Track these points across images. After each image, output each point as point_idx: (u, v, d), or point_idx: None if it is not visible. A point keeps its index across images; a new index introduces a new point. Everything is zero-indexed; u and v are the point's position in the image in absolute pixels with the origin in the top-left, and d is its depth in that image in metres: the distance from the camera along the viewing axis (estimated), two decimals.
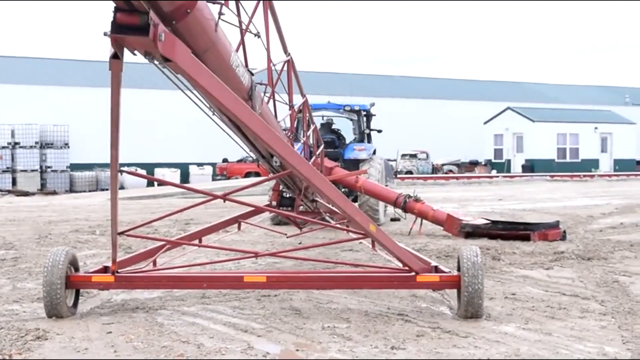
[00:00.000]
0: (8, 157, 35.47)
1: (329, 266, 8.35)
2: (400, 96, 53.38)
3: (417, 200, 12.89)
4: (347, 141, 15.99)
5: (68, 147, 37.04)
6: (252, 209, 9.40)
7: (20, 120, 35.97)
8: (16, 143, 35.27)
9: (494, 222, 12.59)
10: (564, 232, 12.22)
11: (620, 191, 28.44)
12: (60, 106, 40.27)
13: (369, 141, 16.31)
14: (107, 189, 32.19)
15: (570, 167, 46.97)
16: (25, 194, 30.74)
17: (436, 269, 6.53)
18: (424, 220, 12.78)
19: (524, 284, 8.34)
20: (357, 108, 16.15)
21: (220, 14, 5.67)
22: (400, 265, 6.52)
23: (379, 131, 16.61)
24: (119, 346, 5.38)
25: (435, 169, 47.66)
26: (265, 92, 7.92)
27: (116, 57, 4.96)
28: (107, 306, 7.06)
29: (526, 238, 11.67)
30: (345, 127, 16.32)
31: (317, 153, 11.98)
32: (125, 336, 5.69)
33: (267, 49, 7.79)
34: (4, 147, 35.33)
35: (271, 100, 8.50)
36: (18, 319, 6.41)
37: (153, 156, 41.28)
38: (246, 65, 6.79)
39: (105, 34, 4.61)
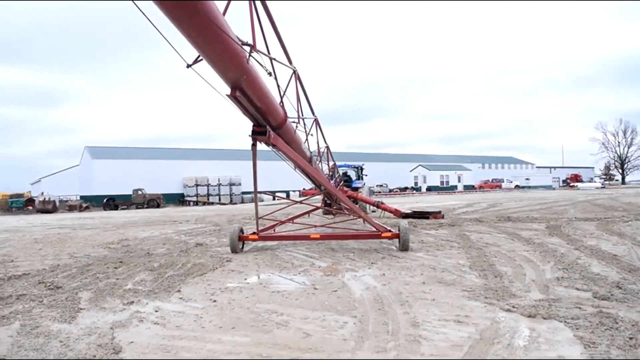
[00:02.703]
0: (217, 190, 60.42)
1: (346, 231, 13.05)
2: (373, 160, 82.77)
3: (382, 202, 20.82)
4: (353, 179, 26.31)
5: (240, 184, 60.94)
6: (314, 207, 15.83)
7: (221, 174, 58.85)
8: (220, 184, 60.21)
9: (414, 211, 19.78)
10: (443, 215, 19.18)
11: (466, 198, 43.35)
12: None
13: (362, 179, 26.42)
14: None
15: (445, 189, 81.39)
16: (224, 203, 52.36)
17: (390, 231, 11.04)
18: (385, 212, 20.45)
19: (426, 236, 13.06)
20: (357, 165, 27.28)
21: (296, 126, 9.65)
22: (375, 229, 11.27)
23: (366, 175, 27.16)
24: (259, 263, 9.60)
25: (390, 190, 73.00)
26: (320, 159, 13.46)
27: (254, 145, 8.61)
28: (255, 249, 11.72)
29: (427, 218, 18.56)
30: (352, 173, 27.19)
31: (340, 184, 19.76)
32: (261, 259, 10.12)
33: (328, 149, 14.22)
34: (219, 185, 61.67)
35: (322, 162, 13.79)
36: (219, 253, 11.21)
37: (276, 186, 56.11)
38: (308, 148, 11.13)
39: (249, 135, 8.32)
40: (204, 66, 5.29)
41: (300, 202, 13.55)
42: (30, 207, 49.70)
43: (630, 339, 4.48)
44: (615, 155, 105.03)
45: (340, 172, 26.61)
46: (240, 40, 5.34)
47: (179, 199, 58.03)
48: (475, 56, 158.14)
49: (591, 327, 4.79)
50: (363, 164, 28.58)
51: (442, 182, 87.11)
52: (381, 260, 9.60)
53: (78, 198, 56.66)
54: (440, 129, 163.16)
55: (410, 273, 8.22)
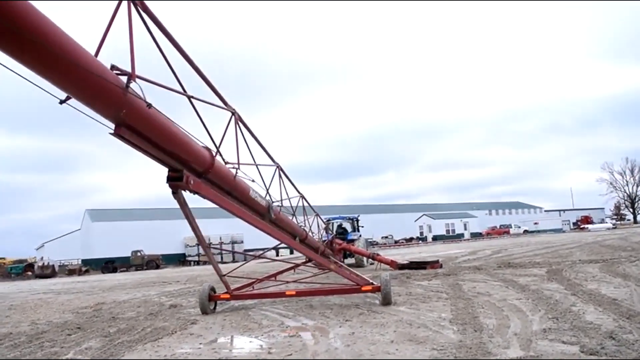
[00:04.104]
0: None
1: (329, 286, 11.85)
2: (378, 212, 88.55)
3: (377, 254, 20.39)
4: (349, 231, 26.14)
5: (243, 242, 58.35)
6: (294, 264, 14.77)
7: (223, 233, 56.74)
8: (222, 242, 56.52)
9: (411, 262, 19.24)
10: (441, 264, 18.50)
11: (471, 246, 42.07)
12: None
13: (358, 230, 26.27)
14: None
15: (451, 237, 79.73)
16: (225, 262, 50.59)
17: (372, 284, 10.28)
18: (382, 264, 19.65)
19: (416, 288, 12.30)
20: (352, 217, 27.26)
21: (236, 172, 8.39)
22: (353, 283, 10.55)
23: (362, 226, 27.03)
24: (225, 324, 8.89)
25: (395, 242, 73.44)
26: (294, 212, 12.63)
27: (175, 194, 7.44)
28: (230, 308, 11.03)
29: (424, 268, 17.86)
30: (347, 225, 27.02)
31: (330, 238, 19.26)
32: (229, 320, 9.33)
33: (304, 199, 13.03)
34: (220, 244, 56.72)
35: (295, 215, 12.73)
36: (189, 314, 10.55)
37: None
38: (269, 196, 10.17)
39: (166, 182, 6.98)
40: None
41: (280, 260, 12.63)
42: (30, 273, 49.02)
43: None
44: (625, 194, 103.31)
45: (336, 225, 26.95)
46: (116, 69, 4.67)
47: (179, 259, 57.08)
48: (478, 104, 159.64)
49: None
50: (358, 216, 28.19)
51: (447, 231, 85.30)
52: (358, 316, 8.88)
53: (79, 262, 55.87)
54: (448, 178, 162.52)
55: (383, 330, 7.42)
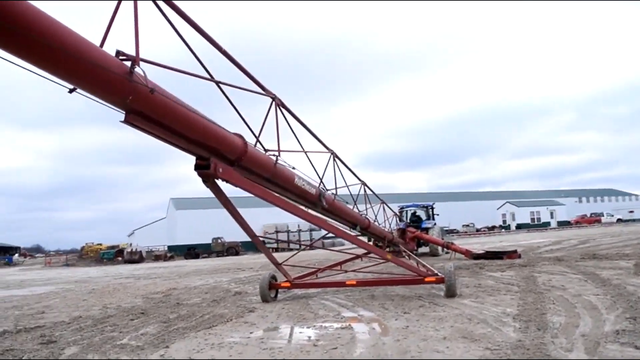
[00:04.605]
0: (297, 236, 59.93)
1: (391, 275, 11.58)
2: (459, 200, 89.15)
3: (452, 243, 19.69)
4: (423, 219, 25.56)
5: (321, 230, 57.11)
6: (352, 256, 14.51)
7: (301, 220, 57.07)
8: (300, 229, 60.92)
9: (486, 252, 18.64)
10: (520, 254, 17.53)
11: (557, 235, 40.38)
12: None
13: (433, 218, 25.44)
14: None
15: (536, 226, 77.12)
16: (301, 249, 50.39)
17: (436, 275, 9.86)
18: (456, 253, 19.13)
19: (487, 279, 11.65)
20: (426, 204, 26.54)
21: (277, 159, 7.90)
22: (415, 274, 10.14)
23: (437, 215, 26.10)
24: (281, 313, 8.73)
25: (477, 230, 71.61)
26: (355, 200, 12.20)
27: (205, 182, 7.11)
28: (292, 296, 10.99)
29: (500, 258, 17.08)
30: (422, 213, 26.51)
31: (402, 226, 20.49)
32: (287, 309, 9.21)
33: (365, 187, 12.48)
34: (299, 231, 61.37)
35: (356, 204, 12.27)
36: (251, 302, 10.56)
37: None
38: (324, 187, 9.77)
39: (194, 170, 6.64)
40: None
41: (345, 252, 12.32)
42: (120, 258, 52.12)
43: None
44: None
45: (409, 213, 26.55)
46: (122, 54, 4.48)
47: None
48: (566, 86, 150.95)
49: None
50: (433, 203, 27.25)
51: (532, 219, 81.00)
52: (417, 309, 8.43)
53: (165, 248, 58.71)
54: (535, 164, 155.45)
55: (439, 325, 6.97)
